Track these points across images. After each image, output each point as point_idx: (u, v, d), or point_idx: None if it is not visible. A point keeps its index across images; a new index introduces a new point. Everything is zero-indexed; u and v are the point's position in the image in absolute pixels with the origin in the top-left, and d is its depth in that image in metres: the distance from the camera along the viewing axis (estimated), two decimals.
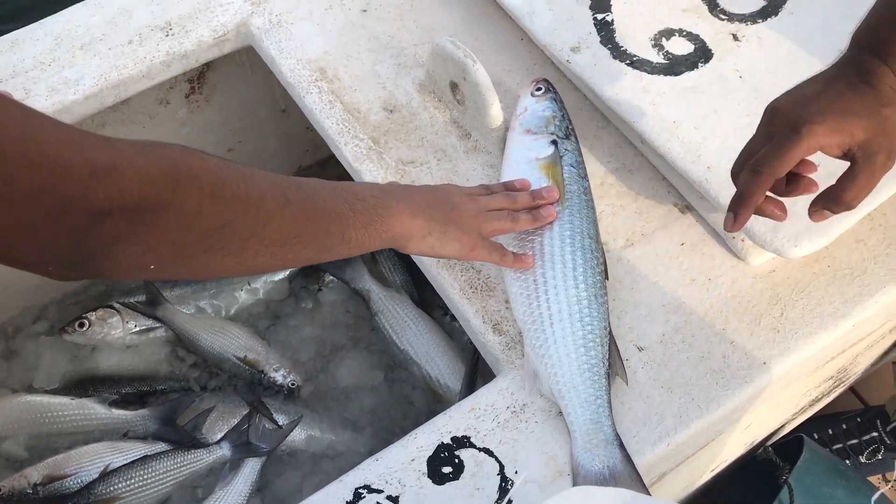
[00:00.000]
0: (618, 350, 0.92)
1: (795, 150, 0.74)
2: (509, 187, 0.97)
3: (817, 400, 1.40)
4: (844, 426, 1.56)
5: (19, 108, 0.53)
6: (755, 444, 1.37)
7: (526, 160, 1.00)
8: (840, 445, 1.54)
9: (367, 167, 1.07)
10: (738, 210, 0.79)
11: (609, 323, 0.92)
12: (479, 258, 0.93)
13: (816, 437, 1.54)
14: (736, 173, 0.81)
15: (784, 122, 0.76)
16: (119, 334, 1.38)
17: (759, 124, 0.80)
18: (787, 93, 0.79)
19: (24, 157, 0.51)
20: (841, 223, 0.94)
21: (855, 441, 1.54)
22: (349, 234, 0.79)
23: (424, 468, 0.86)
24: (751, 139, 0.81)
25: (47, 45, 1.17)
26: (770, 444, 1.42)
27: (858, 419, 1.56)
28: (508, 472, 0.86)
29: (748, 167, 0.78)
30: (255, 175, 0.71)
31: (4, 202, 0.51)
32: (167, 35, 1.18)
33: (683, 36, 1.08)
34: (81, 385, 1.35)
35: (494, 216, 0.92)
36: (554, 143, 1.00)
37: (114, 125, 1.28)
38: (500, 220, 0.92)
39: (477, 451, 0.88)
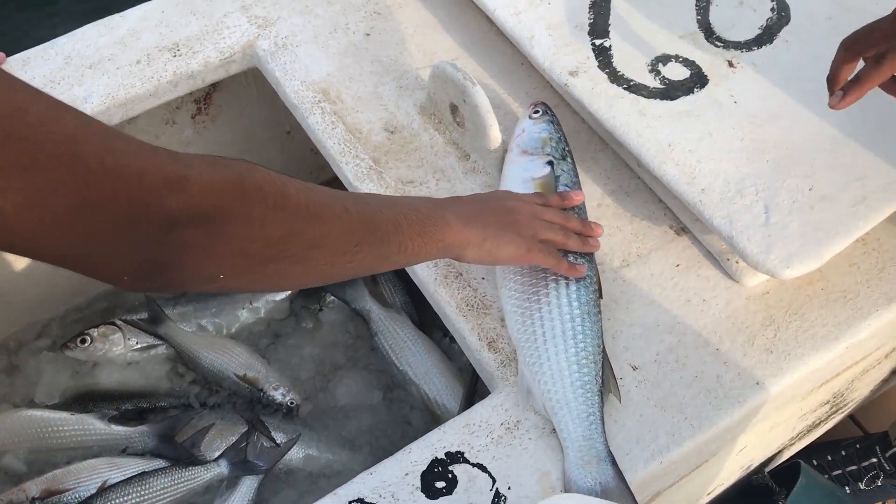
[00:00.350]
0: (611, 368, 0.93)
1: None
2: (566, 198, 0.99)
3: (815, 426, 1.40)
4: (843, 452, 1.55)
5: (99, 123, 0.56)
6: (752, 468, 1.37)
7: (522, 180, 1.01)
8: (839, 472, 1.53)
9: (368, 186, 1.09)
10: (850, 91, 0.85)
11: (602, 341, 0.93)
12: (535, 261, 0.92)
13: (816, 463, 1.54)
14: (848, 45, 0.86)
15: None
16: (120, 351, 1.39)
17: (894, 11, 0.84)
18: None
19: (103, 165, 0.53)
20: (833, 246, 0.95)
21: (854, 467, 1.53)
22: (405, 244, 0.80)
23: (418, 482, 0.87)
24: (878, 20, 0.84)
25: (57, 64, 1.20)
26: (768, 469, 1.42)
27: (858, 446, 1.56)
28: (501, 488, 0.87)
29: (873, 58, 0.83)
30: (314, 188, 0.73)
31: (84, 208, 0.53)
32: (174, 56, 1.21)
33: (680, 62, 1.10)
34: (82, 401, 1.36)
35: (549, 227, 0.93)
36: (550, 163, 1.02)
37: None
38: (554, 231, 0.93)
39: (470, 466, 0.88)
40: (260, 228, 0.65)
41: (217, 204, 0.61)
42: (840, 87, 0.86)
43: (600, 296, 0.96)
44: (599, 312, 0.94)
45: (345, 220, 0.74)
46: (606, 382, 0.91)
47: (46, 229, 0.53)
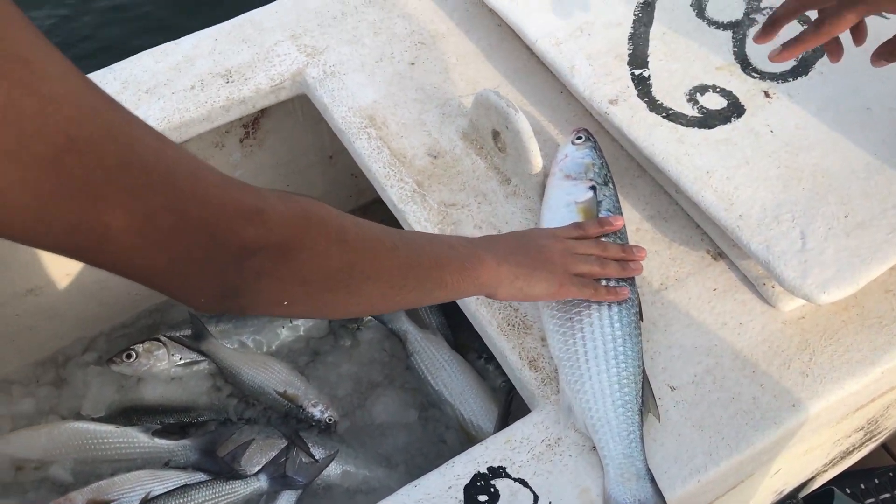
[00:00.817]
0: (651, 388, 0.95)
1: (852, 15, 0.90)
2: (605, 224, 1.01)
3: (848, 452, 1.41)
4: (877, 480, 1.55)
5: (190, 154, 0.60)
6: (785, 492, 1.38)
7: (565, 204, 1.04)
8: (872, 500, 1.53)
9: (411, 208, 1.13)
10: (789, 47, 0.95)
11: (643, 361, 0.95)
12: (569, 295, 0.95)
13: (849, 491, 1.54)
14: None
15: None
16: (164, 366, 1.43)
17: None
18: None
19: (195, 194, 0.58)
20: (869, 272, 0.97)
21: (887, 495, 1.53)
22: (446, 280, 0.84)
23: (461, 495, 0.89)
24: None
25: (115, 89, 1.25)
26: (801, 495, 1.43)
27: (891, 474, 1.56)
28: (542, 503, 0.89)
29: (814, 22, 0.92)
30: (367, 224, 0.78)
31: (177, 233, 0.57)
32: (227, 82, 1.26)
33: (717, 92, 1.13)
34: (126, 414, 1.40)
35: (583, 259, 0.95)
36: (592, 188, 1.05)
37: None
38: (588, 263, 0.95)
39: (512, 481, 0.91)
40: (323, 260, 0.70)
41: (288, 236, 0.65)
42: (783, 44, 0.96)
43: (641, 318, 0.98)
44: (640, 334, 0.96)
45: (393, 255, 0.78)
46: (646, 402, 0.93)
47: (143, 250, 0.56)
